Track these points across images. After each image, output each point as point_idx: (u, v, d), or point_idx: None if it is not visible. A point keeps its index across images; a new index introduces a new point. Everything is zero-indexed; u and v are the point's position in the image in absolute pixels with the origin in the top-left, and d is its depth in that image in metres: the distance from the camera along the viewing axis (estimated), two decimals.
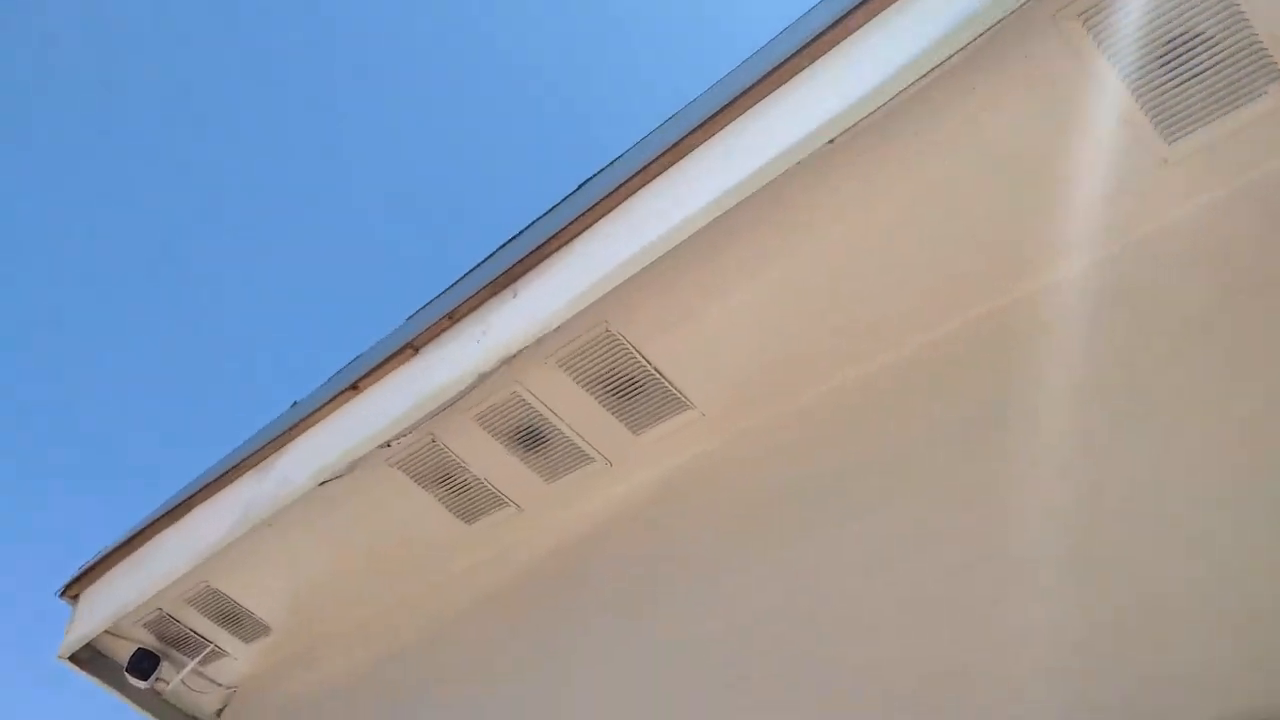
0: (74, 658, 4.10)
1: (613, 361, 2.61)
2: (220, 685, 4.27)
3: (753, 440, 2.67)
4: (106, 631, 4.06)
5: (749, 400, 2.69)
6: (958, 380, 2.35)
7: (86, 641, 4.01)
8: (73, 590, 4.19)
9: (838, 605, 2.26)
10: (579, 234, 2.56)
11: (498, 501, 3.12)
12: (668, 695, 2.49)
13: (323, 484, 3.13)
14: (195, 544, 3.57)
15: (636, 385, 2.64)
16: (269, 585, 3.79)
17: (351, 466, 3.09)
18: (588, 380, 2.67)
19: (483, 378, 2.69)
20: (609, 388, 2.67)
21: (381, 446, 2.92)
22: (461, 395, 2.78)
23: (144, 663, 4.02)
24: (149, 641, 4.12)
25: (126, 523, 3.96)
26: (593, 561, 2.96)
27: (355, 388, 3.13)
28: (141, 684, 4.01)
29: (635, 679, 2.62)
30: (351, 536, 3.48)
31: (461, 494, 3.12)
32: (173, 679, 4.18)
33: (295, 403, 3.55)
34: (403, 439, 2.89)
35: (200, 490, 3.59)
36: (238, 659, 4.13)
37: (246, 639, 4.03)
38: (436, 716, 3.18)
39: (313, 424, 3.24)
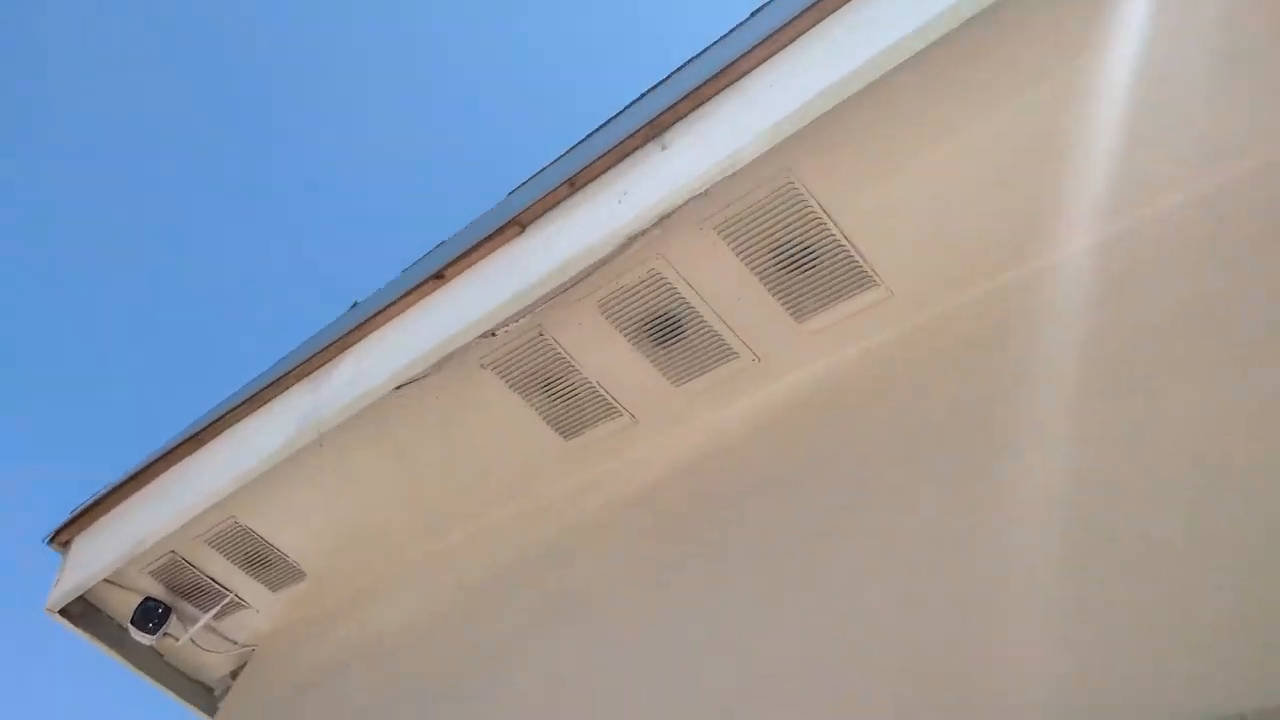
0: (65, 611, 3.55)
1: (789, 225, 2.18)
2: (235, 644, 3.73)
3: (941, 331, 2.27)
4: (106, 580, 3.52)
5: (942, 282, 2.28)
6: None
7: (82, 592, 3.46)
8: (63, 536, 3.63)
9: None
10: (751, 69, 2.14)
11: (608, 410, 2.67)
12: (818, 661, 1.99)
13: (398, 388, 2.65)
14: (226, 471, 3.06)
15: (813, 257, 2.22)
16: (310, 521, 3.28)
17: (436, 366, 2.62)
18: (753, 250, 2.24)
19: (620, 250, 2.26)
20: (779, 259, 2.24)
21: (484, 336, 2.46)
22: (587, 274, 2.33)
23: (151, 614, 3.48)
24: (156, 592, 3.57)
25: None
26: (720, 488, 2.50)
27: (441, 276, 2.66)
28: (147, 638, 3.47)
29: (774, 642, 2.08)
30: (418, 458, 3.00)
31: (565, 401, 2.67)
32: (182, 635, 3.64)
33: (356, 303, 3.07)
34: (509, 326, 2.44)
35: (238, 406, 3.08)
36: (259, 612, 3.60)
37: (273, 587, 3.51)
38: (513, 685, 2.67)
39: (386, 320, 2.76)
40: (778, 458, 2.41)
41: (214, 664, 3.85)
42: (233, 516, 3.28)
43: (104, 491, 3.49)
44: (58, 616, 3.54)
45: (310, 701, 3.17)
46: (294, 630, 3.52)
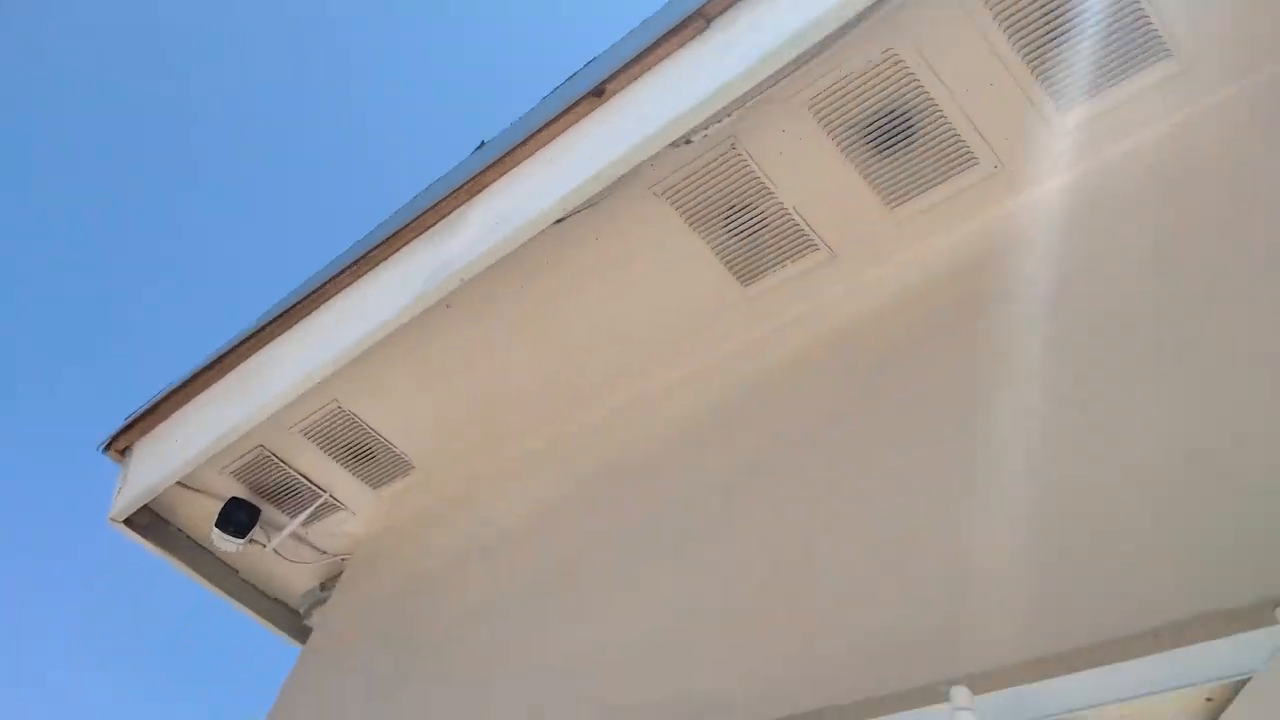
0: (131, 521, 3.16)
1: None
2: (324, 553, 3.37)
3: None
4: (180, 484, 3.13)
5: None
6: None
7: (151, 497, 3.08)
8: (121, 442, 3.23)
9: None
10: None
11: (802, 244, 2.29)
12: None
13: (545, 231, 2.26)
14: (331, 346, 2.65)
15: (1102, 25, 1.83)
16: (425, 403, 2.89)
17: (594, 200, 2.24)
18: (1022, 22, 1.86)
19: (848, 27, 1.86)
20: (1050, 31, 1.85)
21: (676, 145, 2.07)
22: (800, 63, 1.95)
23: (238, 516, 3.09)
24: (238, 495, 3.18)
25: None
26: (925, 337, 2.12)
27: (600, 93, 2.25)
28: (234, 543, 3.09)
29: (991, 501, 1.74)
30: (560, 319, 2.61)
31: (750, 236, 2.29)
32: (267, 544, 3.27)
33: (483, 143, 2.65)
34: (707, 130, 2.05)
35: (343, 271, 2.67)
36: (355, 514, 3.23)
37: (375, 483, 3.13)
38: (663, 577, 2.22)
39: (529, 154, 2.35)
40: (1019, 288, 2.04)
41: (296, 579, 3.49)
42: (335, 400, 2.89)
43: (172, 388, 3.09)
44: (122, 527, 3.16)
45: (418, 607, 2.80)
46: (395, 532, 3.15)
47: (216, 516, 3.09)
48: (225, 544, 3.08)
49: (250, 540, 3.16)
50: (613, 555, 2.37)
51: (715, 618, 1.94)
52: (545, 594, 2.42)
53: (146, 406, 3.14)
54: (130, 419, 3.18)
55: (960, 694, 1.20)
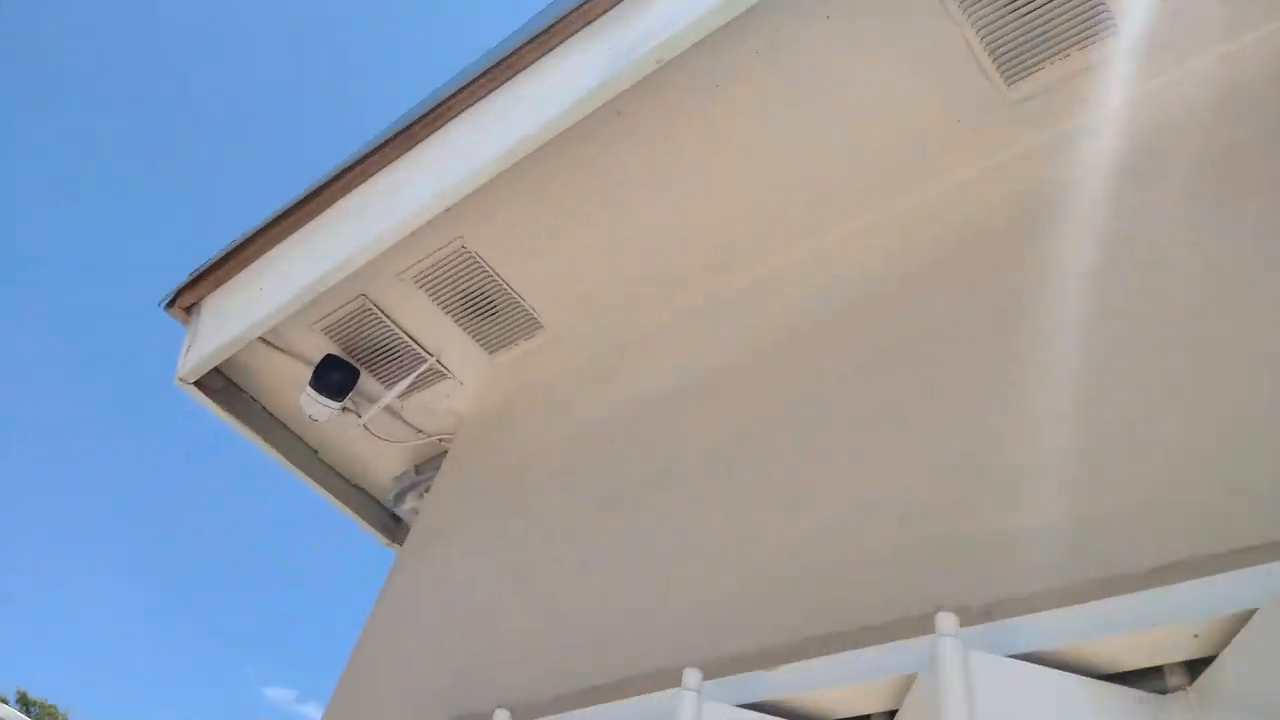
0: (202, 384, 2.73)
1: None
2: (421, 432, 2.94)
3: None
4: (263, 340, 2.69)
5: None
6: None
7: (228, 355, 2.65)
8: (188, 298, 2.78)
9: None
10: None
11: (1095, 26, 1.81)
12: None
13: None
14: (457, 169, 2.19)
15: None
16: (562, 247, 2.43)
17: None
18: None
19: None
20: None
21: None
22: None
23: (333, 377, 2.65)
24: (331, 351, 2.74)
25: None
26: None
27: None
28: (330, 407, 2.65)
29: None
30: (760, 135, 2.13)
31: (1029, 13, 1.81)
32: (361, 414, 2.84)
33: None
34: None
35: (477, 79, 2.18)
36: (464, 384, 2.79)
37: (492, 345, 2.68)
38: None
39: None
40: None
41: (380, 462, 3.07)
42: (460, 239, 2.43)
43: (255, 230, 2.63)
44: (192, 389, 2.72)
45: (535, 491, 2.36)
46: (509, 406, 2.70)
47: (309, 377, 2.65)
48: (317, 408, 2.64)
49: (344, 408, 2.73)
50: (770, 439, 1.92)
51: (888, 517, 1.51)
52: (686, 481, 1.97)
53: (222, 254, 2.69)
54: (200, 270, 2.73)
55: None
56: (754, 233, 2.29)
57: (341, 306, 2.62)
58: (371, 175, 2.38)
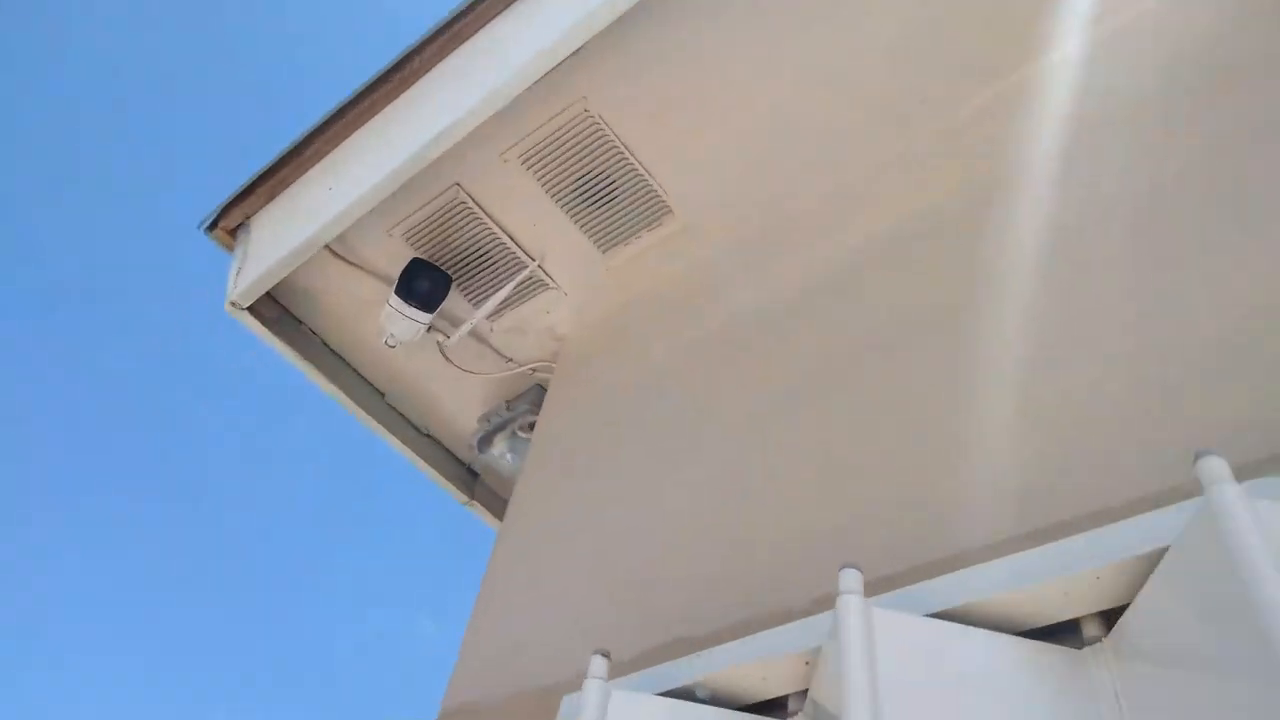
0: (255, 309, 2.30)
1: None
2: (511, 361, 2.51)
3: None
4: (328, 250, 2.27)
5: None
6: None
7: (285, 274, 2.22)
8: (232, 218, 2.36)
9: None
10: None
11: None
12: None
13: None
14: (576, 11, 1.80)
15: None
16: (702, 112, 2.03)
17: None
18: None
19: None
20: None
21: None
22: None
23: (420, 286, 2.22)
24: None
25: None
26: None
27: None
28: (419, 321, 2.23)
29: None
30: None
31: None
32: (446, 337, 2.41)
33: None
34: None
35: None
36: (569, 293, 2.37)
37: (608, 241, 2.26)
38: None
39: None
40: None
41: (455, 405, 2.64)
42: (583, 99, 2.02)
43: (312, 129, 2.21)
44: (245, 315, 2.29)
45: (661, 410, 1.94)
46: (625, 316, 2.29)
47: (386, 295, 2.22)
48: (404, 324, 2.21)
49: (430, 327, 2.30)
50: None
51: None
52: (828, 395, 1.58)
53: (275, 160, 2.27)
54: (251, 180, 2.30)
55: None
56: (912, 98, 1.91)
57: (427, 204, 2.21)
58: (471, 35, 1.98)
